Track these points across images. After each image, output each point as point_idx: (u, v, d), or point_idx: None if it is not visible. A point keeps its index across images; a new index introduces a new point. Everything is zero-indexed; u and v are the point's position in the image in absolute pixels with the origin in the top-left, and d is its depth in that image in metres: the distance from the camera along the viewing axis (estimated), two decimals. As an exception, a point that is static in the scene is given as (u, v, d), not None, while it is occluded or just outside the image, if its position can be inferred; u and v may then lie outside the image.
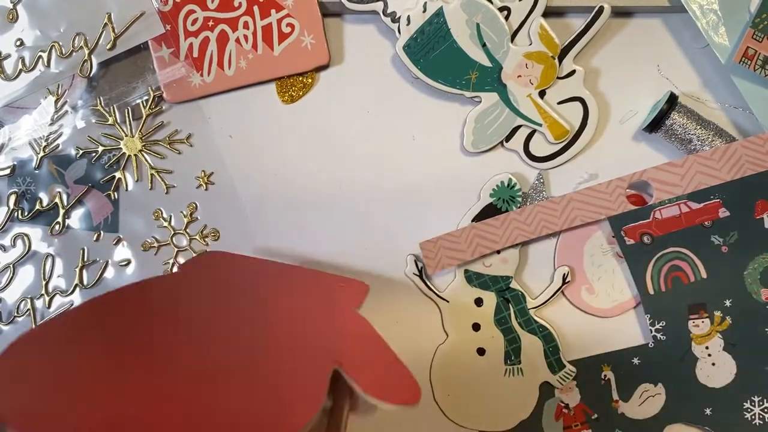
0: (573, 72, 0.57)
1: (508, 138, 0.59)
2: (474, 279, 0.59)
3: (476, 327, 0.59)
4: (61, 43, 0.59)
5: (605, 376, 0.59)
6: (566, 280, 0.58)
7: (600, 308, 0.59)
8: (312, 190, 0.61)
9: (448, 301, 0.60)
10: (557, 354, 0.59)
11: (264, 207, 0.61)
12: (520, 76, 0.57)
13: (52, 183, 0.62)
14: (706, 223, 0.56)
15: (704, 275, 0.56)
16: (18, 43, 0.60)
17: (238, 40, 0.59)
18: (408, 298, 0.60)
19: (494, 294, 0.59)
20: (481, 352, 0.59)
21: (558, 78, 0.57)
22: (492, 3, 0.56)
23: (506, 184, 0.58)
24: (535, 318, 0.59)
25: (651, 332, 0.57)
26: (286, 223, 0.61)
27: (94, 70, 0.59)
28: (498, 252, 0.58)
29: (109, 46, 0.59)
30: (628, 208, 0.56)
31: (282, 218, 0.61)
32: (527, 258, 0.60)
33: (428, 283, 0.60)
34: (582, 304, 0.59)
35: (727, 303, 0.56)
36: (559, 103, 0.58)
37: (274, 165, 0.61)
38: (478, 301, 0.59)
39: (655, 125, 0.56)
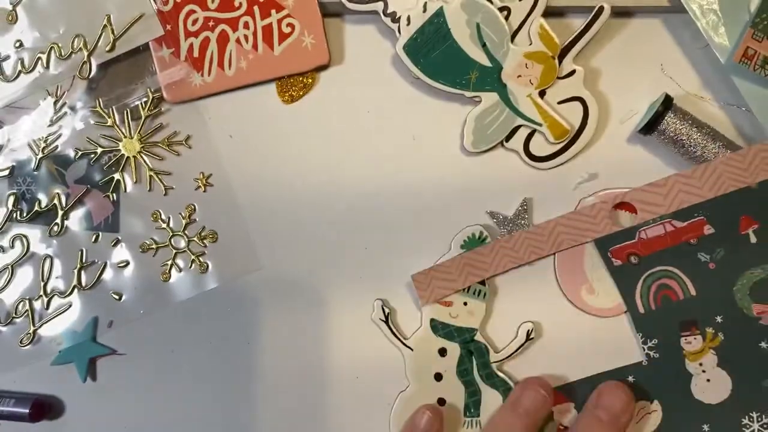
0: (573, 72, 0.57)
1: (508, 138, 0.58)
2: (440, 329, 0.59)
3: (438, 377, 0.59)
4: (60, 45, 0.59)
5: None
6: (530, 337, 0.58)
7: (600, 308, 0.59)
8: (312, 191, 0.61)
9: (412, 349, 0.59)
10: None
11: (264, 208, 0.61)
12: (520, 76, 0.57)
13: (52, 183, 0.62)
14: (691, 240, 0.56)
15: (693, 292, 0.56)
16: (17, 44, 0.60)
17: (238, 40, 0.59)
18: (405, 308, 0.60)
19: (458, 345, 0.59)
20: (441, 402, 0.59)
21: (558, 78, 0.57)
22: (492, 3, 0.56)
23: (476, 236, 0.58)
24: (497, 372, 0.59)
25: (644, 350, 0.57)
26: (285, 224, 0.61)
27: (94, 71, 0.59)
28: (483, 283, 0.58)
29: (108, 48, 0.59)
30: (614, 230, 0.56)
31: (282, 219, 0.61)
32: (493, 310, 0.60)
33: (393, 329, 0.59)
34: (582, 304, 0.59)
35: (719, 319, 0.56)
36: (559, 103, 0.58)
37: (274, 165, 0.61)
38: (442, 351, 0.59)
39: (649, 128, 0.56)
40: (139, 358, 0.63)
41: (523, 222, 0.58)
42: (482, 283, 0.58)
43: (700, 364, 0.57)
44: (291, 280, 0.61)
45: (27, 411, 0.61)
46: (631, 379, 0.58)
